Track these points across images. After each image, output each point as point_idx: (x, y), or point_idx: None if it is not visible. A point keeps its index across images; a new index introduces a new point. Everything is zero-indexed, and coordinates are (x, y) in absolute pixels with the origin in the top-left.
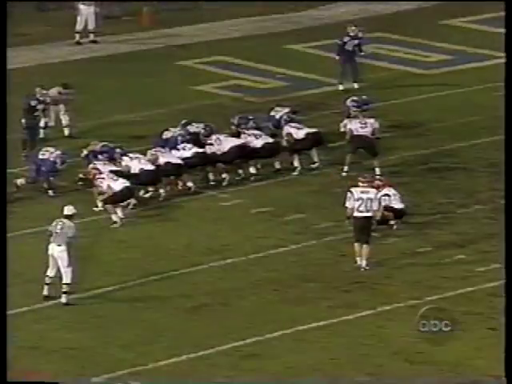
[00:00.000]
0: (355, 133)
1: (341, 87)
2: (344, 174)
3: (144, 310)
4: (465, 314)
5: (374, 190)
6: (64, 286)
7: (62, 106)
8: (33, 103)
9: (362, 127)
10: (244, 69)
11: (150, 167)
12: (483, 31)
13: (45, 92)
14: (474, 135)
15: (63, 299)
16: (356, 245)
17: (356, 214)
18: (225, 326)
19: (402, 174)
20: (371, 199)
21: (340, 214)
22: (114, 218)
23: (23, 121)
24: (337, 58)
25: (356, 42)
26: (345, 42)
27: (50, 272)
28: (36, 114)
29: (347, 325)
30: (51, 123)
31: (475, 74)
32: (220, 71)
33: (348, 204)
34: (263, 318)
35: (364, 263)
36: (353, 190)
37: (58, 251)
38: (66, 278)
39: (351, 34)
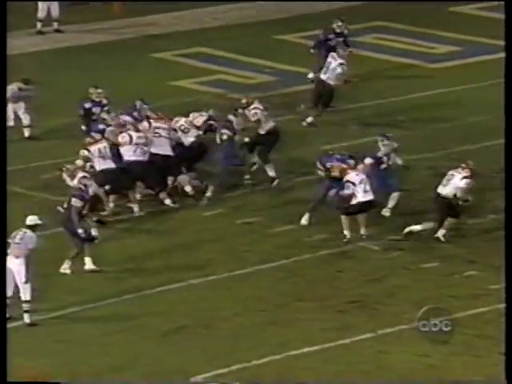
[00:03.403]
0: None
1: (310, 75)
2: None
3: (116, 333)
4: (476, 337)
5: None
6: (24, 305)
7: (22, 104)
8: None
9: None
10: (228, 62)
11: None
12: (496, 19)
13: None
14: (485, 136)
15: (26, 319)
16: (343, 217)
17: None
18: (206, 350)
19: (406, 179)
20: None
21: (335, 226)
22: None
23: None
24: (312, 51)
25: (341, 39)
26: (329, 39)
27: (8, 291)
28: None
29: (344, 349)
30: (10, 123)
31: (487, 68)
32: (201, 64)
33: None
34: (249, 341)
35: (363, 231)
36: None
37: (15, 264)
38: (25, 296)
39: (337, 31)
